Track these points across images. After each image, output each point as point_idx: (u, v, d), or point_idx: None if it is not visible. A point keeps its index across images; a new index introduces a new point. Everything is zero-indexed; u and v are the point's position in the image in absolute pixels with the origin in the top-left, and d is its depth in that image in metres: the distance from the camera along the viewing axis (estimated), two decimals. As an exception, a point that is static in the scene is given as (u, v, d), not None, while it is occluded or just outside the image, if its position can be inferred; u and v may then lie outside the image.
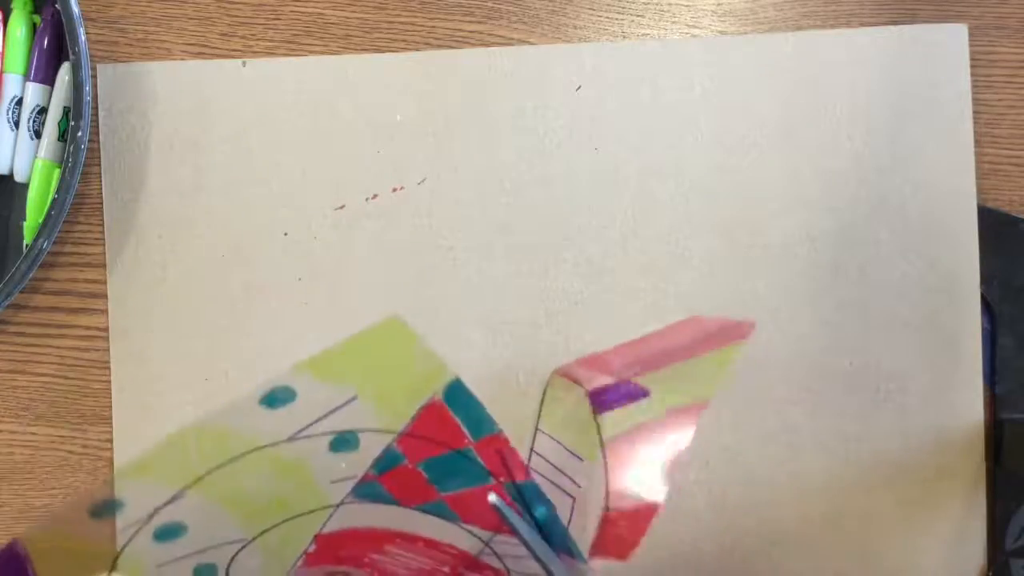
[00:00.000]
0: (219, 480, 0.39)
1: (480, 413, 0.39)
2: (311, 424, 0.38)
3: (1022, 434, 0.44)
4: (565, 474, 0.44)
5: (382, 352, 0.39)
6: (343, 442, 0.39)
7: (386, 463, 0.40)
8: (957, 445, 0.45)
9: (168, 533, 0.39)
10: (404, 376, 0.39)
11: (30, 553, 0.38)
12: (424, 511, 0.41)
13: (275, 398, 0.38)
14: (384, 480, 0.40)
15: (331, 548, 0.41)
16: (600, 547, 0.40)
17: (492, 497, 0.40)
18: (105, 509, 0.39)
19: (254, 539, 0.40)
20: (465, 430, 0.39)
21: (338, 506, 0.41)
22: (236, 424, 0.38)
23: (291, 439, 0.39)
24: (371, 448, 0.40)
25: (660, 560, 0.45)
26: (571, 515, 0.44)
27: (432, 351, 0.39)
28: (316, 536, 0.41)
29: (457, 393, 0.39)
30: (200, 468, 0.39)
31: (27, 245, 0.43)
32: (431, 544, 0.42)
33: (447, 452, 0.39)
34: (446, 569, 0.42)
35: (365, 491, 0.40)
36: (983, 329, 0.45)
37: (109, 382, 0.45)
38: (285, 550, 0.41)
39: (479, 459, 0.39)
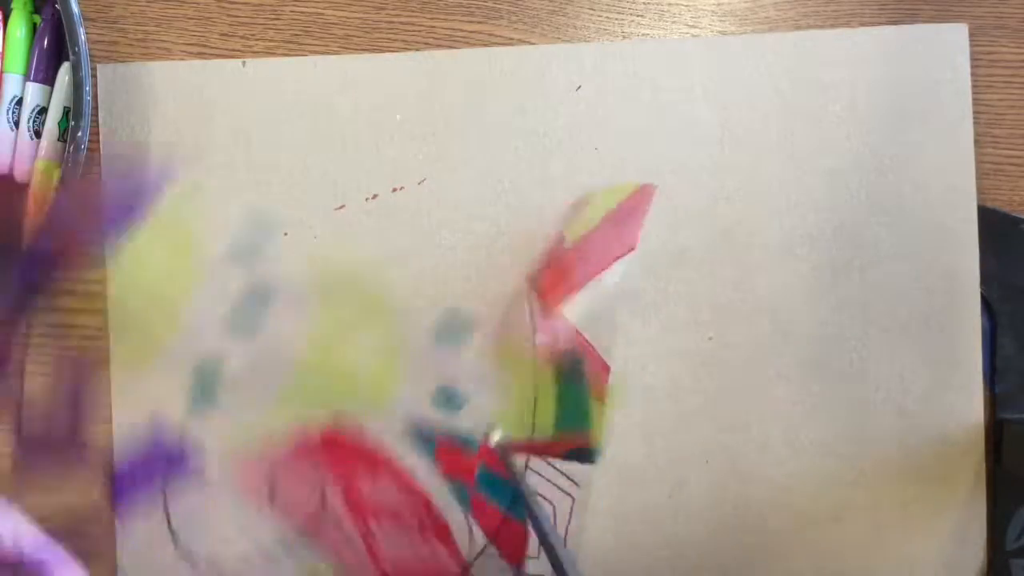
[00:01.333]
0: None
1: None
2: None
3: (1022, 434, 0.44)
4: (564, 474, 0.44)
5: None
6: (449, 399, 0.43)
7: (462, 442, 0.43)
8: (957, 445, 0.45)
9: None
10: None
11: None
12: (449, 485, 0.43)
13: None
14: (442, 442, 0.43)
15: (335, 442, 0.42)
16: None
17: (497, 436, 0.42)
18: None
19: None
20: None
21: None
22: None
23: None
24: (469, 417, 0.44)
25: (660, 560, 0.45)
26: (571, 515, 0.44)
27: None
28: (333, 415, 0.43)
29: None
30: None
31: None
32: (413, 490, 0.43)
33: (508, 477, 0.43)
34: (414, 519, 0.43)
35: (421, 432, 0.43)
36: (983, 329, 0.45)
37: (109, 382, 0.45)
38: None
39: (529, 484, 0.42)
